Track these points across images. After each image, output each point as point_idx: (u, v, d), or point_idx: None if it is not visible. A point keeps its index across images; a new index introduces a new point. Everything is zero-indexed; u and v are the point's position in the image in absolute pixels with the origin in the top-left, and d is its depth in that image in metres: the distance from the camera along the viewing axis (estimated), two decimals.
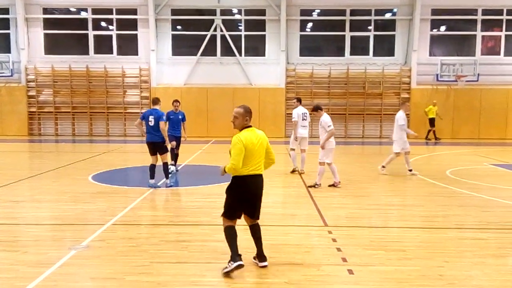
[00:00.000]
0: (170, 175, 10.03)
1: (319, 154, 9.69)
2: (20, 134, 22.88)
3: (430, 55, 22.97)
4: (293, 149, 11.71)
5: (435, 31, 23.15)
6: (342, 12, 22.86)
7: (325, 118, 9.56)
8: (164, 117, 9.68)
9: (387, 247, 5.69)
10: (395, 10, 23.09)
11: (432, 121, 21.83)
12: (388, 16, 23.35)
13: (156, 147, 9.58)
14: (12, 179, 10.31)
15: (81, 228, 6.59)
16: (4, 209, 7.67)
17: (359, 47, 23.25)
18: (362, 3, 22.62)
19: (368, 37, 23.10)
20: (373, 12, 22.83)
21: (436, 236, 6.24)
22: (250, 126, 4.99)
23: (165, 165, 9.67)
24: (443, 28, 23.44)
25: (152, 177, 9.54)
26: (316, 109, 9.78)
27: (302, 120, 11.34)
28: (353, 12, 22.87)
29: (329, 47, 24.05)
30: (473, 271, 4.92)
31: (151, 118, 9.43)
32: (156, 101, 9.78)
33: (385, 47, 23.48)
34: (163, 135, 9.57)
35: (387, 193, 9.31)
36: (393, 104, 23.05)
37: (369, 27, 23.05)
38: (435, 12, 22.69)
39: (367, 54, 23.12)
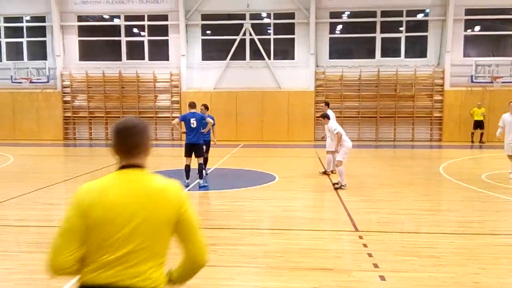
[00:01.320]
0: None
1: (338, 155, 9.81)
2: (56, 138, 23.56)
3: (464, 56, 22.38)
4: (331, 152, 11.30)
5: (469, 32, 22.56)
6: (372, 14, 22.59)
7: (331, 124, 9.99)
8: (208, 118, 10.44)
9: (420, 253, 5.57)
10: (427, 10, 22.64)
11: (477, 124, 21.27)
12: (420, 16, 22.92)
13: (194, 148, 10.09)
14: (49, 182, 10.63)
15: None
16: (41, 211, 7.91)
17: (390, 49, 22.89)
18: (393, 4, 22.28)
19: (400, 38, 22.71)
20: (404, 13, 22.44)
21: (471, 242, 6.06)
22: (133, 166, 2.23)
23: (200, 166, 10.16)
24: (477, 28, 22.81)
25: (187, 177, 10.06)
26: (324, 116, 10.25)
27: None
28: (384, 14, 22.55)
29: (359, 49, 23.79)
30: (509, 279, 4.76)
31: (192, 120, 9.95)
32: (193, 104, 10.29)
33: (417, 48, 23.02)
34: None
35: (420, 197, 9.10)
36: (426, 107, 22.60)
37: (401, 28, 22.66)
38: (468, 12, 22.11)
39: (399, 55, 22.74)
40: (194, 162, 10.16)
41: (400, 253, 5.56)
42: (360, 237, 6.23)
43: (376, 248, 5.74)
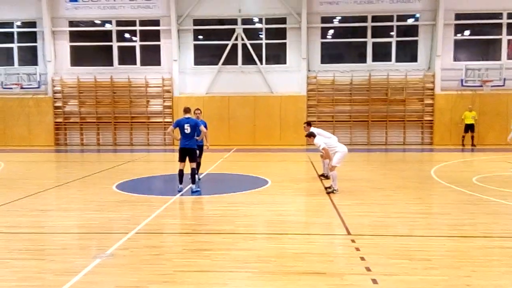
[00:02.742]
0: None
1: (333, 161, 9.90)
2: (47, 144, 23.42)
3: (455, 60, 22.60)
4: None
5: (459, 36, 22.78)
6: (363, 19, 22.75)
7: (316, 141, 10.08)
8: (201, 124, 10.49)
9: (412, 256, 5.59)
10: (417, 15, 22.84)
11: (467, 127, 21.45)
12: (410, 21, 23.11)
13: (189, 153, 10.10)
14: (40, 188, 10.55)
15: (106, 236, 6.68)
16: (32, 218, 7.84)
17: (381, 54, 23.06)
18: (384, 9, 22.46)
19: (390, 43, 22.89)
20: (395, 18, 22.64)
21: (463, 245, 6.10)
22: None
23: (193, 170, 10.15)
24: (467, 32, 23.05)
25: (181, 182, 10.09)
26: (309, 135, 10.35)
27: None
28: (375, 18, 22.73)
29: (351, 54, 23.93)
30: (502, 281, 4.79)
31: (186, 126, 9.98)
32: (188, 110, 10.31)
33: (408, 53, 23.21)
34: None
35: (412, 201, 9.15)
36: (417, 110, 22.77)
37: (391, 33, 22.84)
38: (458, 16, 22.35)
39: (390, 60, 22.91)
40: (187, 167, 10.15)
41: (393, 256, 5.58)
42: (353, 241, 6.25)
43: (369, 251, 5.76)
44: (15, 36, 23.84)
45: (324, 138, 10.63)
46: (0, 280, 4.91)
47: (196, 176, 10.85)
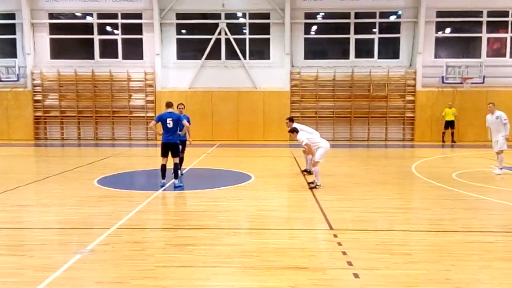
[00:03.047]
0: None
1: (315, 156, 9.97)
2: (26, 138, 23.01)
3: (436, 57, 22.90)
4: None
5: (440, 33, 23.08)
6: (346, 15, 22.86)
7: (299, 136, 10.14)
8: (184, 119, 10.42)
9: (393, 250, 5.66)
10: (399, 12, 23.04)
11: (448, 124, 21.76)
12: (392, 18, 23.31)
13: (171, 148, 10.07)
14: (19, 183, 10.36)
15: (86, 232, 6.60)
16: (11, 213, 7.70)
17: (364, 50, 23.22)
18: (367, 5, 22.60)
19: (373, 39, 23.06)
20: (377, 14, 22.81)
21: (443, 240, 6.20)
22: None
23: (176, 165, 10.11)
24: (448, 30, 23.36)
25: (163, 177, 10.03)
26: (291, 131, 10.45)
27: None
28: (358, 15, 22.86)
29: (334, 50, 24.03)
30: (480, 275, 4.88)
31: (169, 120, 9.94)
32: (170, 104, 10.28)
33: (390, 49, 23.42)
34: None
35: (393, 196, 9.26)
36: (398, 107, 23.02)
37: (374, 30, 23.01)
38: (440, 14, 22.63)
39: (372, 56, 23.09)
40: (170, 162, 10.08)
41: (374, 250, 5.64)
42: (335, 236, 6.29)
43: (351, 246, 5.81)
44: None
45: (307, 133, 10.67)
46: None
47: (179, 171, 10.80)
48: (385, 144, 21.96)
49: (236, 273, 4.93)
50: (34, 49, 23.20)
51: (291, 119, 12.19)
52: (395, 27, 23.18)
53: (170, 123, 9.93)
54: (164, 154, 10.11)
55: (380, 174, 12.00)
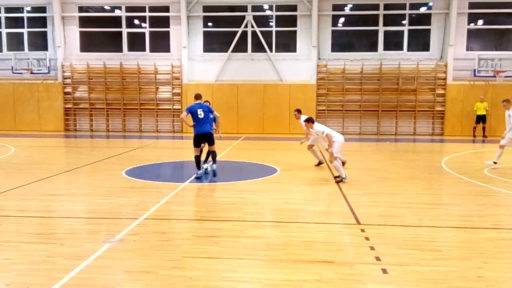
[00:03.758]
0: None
1: (334, 151, 9.85)
2: (56, 129, 23.54)
3: (467, 49, 22.27)
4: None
5: (472, 25, 22.42)
6: (375, 7, 22.45)
7: (316, 127, 10.10)
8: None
9: (422, 246, 5.55)
10: (430, 4, 22.48)
11: (479, 118, 21.20)
12: (423, 10, 22.76)
13: (205, 138, 10.18)
14: (50, 173, 10.61)
15: (115, 221, 6.71)
16: (42, 202, 7.89)
17: (392, 42, 22.78)
18: None
19: (402, 31, 22.59)
20: (407, 6, 22.31)
21: (474, 236, 6.04)
22: None
23: (214, 153, 10.29)
24: (480, 22, 22.68)
25: (198, 167, 10.20)
26: (308, 120, 10.34)
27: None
28: (387, 7, 22.41)
29: (362, 43, 23.66)
30: None
31: (200, 111, 10.03)
32: (199, 96, 10.42)
33: (420, 42, 22.91)
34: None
35: (422, 191, 9.08)
36: (428, 100, 22.53)
37: (404, 22, 22.53)
38: (472, 5, 21.96)
39: (401, 49, 22.63)
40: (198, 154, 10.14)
41: (402, 246, 5.54)
42: (362, 230, 6.21)
43: (378, 241, 5.72)
44: (25, 21, 23.84)
45: (322, 126, 10.53)
46: (11, 263, 4.95)
47: (206, 164, 10.85)
48: (413, 138, 21.55)
49: (263, 266, 4.92)
50: (65, 42, 23.65)
51: (299, 111, 12.24)
52: (425, 19, 22.64)
53: (201, 113, 10.01)
54: (197, 145, 10.22)
55: (408, 169, 11.79)
